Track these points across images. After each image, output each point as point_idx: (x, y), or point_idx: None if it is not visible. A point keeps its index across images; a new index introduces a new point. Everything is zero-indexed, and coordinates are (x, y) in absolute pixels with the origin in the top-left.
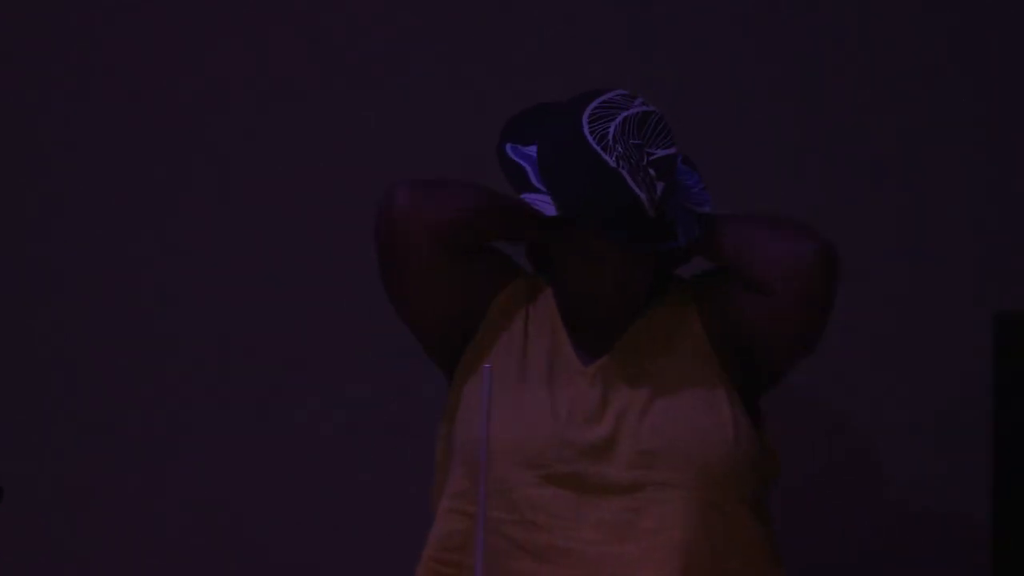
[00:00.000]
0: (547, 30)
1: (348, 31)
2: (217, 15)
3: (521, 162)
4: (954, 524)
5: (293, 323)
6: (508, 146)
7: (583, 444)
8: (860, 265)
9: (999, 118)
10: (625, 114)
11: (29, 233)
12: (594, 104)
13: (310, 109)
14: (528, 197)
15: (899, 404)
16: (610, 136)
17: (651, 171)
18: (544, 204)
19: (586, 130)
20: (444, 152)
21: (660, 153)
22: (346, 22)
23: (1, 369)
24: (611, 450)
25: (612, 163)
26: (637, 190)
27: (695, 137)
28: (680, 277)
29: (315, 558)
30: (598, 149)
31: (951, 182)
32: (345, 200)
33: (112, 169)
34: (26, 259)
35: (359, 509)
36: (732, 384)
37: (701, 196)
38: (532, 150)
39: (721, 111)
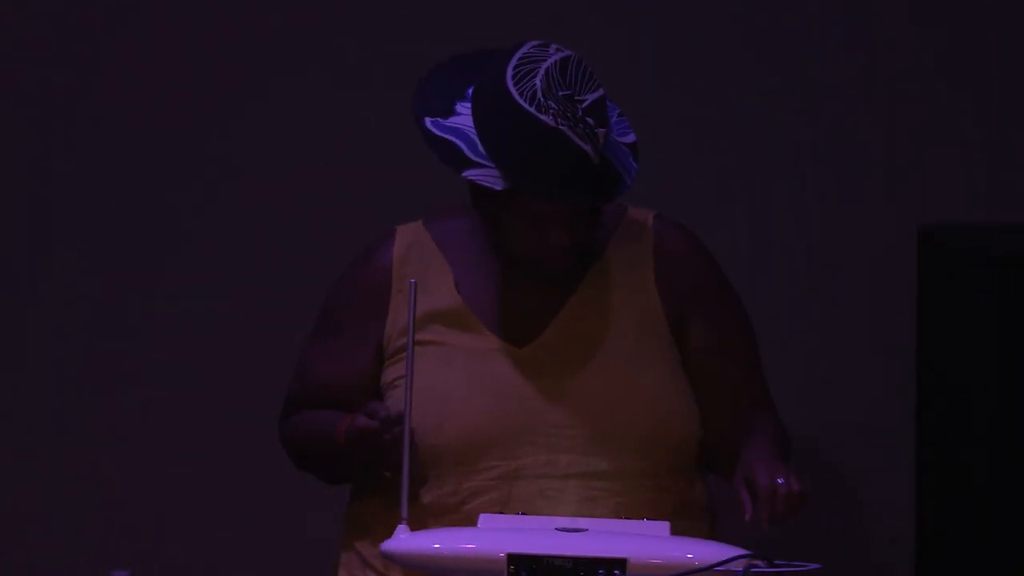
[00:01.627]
0: (548, 30)
1: (348, 31)
2: (217, 15)
3: (449, 137)
4: (878, 464)
5: (293, 323)
6: (428, 121)
7: (530, 428)
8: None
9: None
10: (545, 65)
11: (28, 233)
12: (512, 63)
13: (310, 109)
14: (469, 174)
15: (821, 324)
16: (539, 93)
17: (589, 120)
18: (490, 179)
19: (514, 92)
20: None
21: (590, 98)
22: (346, 22)
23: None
24: (559, 435)
25: (550, 122)
26: (582, 144)
27: (695, 136)
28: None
29: (316, 558)
30: (532, 111)
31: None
32: (345, 200)
33: (111, 169)
34: (25, 259)
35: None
36: (673, 343)
37: (621, 126)
38: (456, 121)
39: (720, 111)
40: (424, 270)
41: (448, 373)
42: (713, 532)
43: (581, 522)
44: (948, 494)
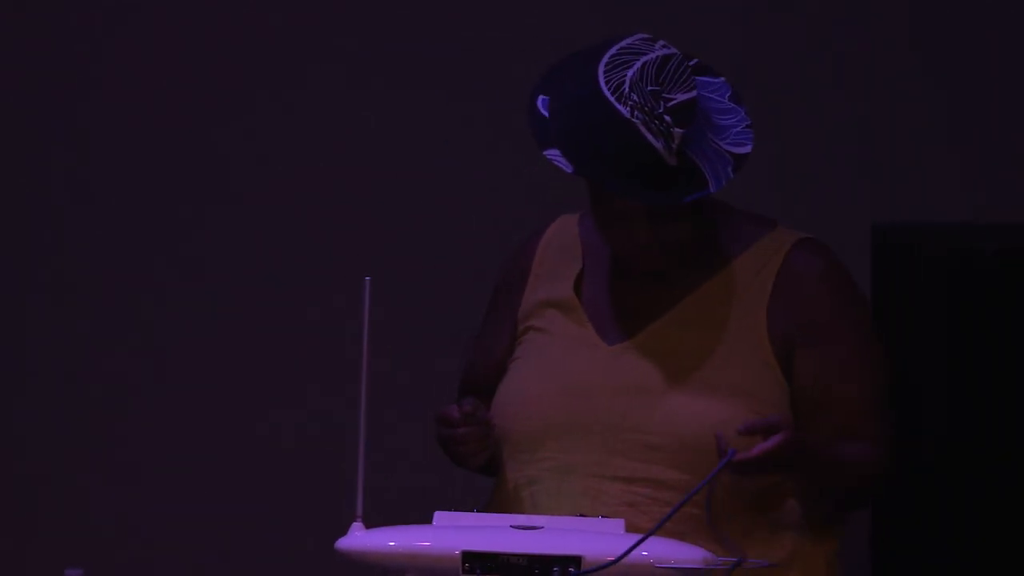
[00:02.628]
0: (548, 30)
1: (348, 31)
2: (217, 15)
3: (546, 114)
4: None
5: (293, 323)
6: (540, 99)
7: (588, 427)
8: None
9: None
10: (644, 59)
11: (27, 234)
12: (612, 51)
13: (310, 109)
14: (549, 153)
15: None
16: (626, 85)
17: (667, 118)
18: (563, 161)
19: (602, 80)
20: (444, 152)
21: (680, 98)
22: (346, 22)
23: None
24: (615, 437)
25: (626, 113)
26: (652, 140)
27: None
28: (781, 227)
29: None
30: (612, 99)
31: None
32: (345, 200)
33: (111, 169)
34: (24, 260)
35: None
36: (772, 352)
37: (741, 136)
38: None
39: None
40: (561, 258)
41: (536, 361)
42: None
43: (536, 519)
44: (900, 488)
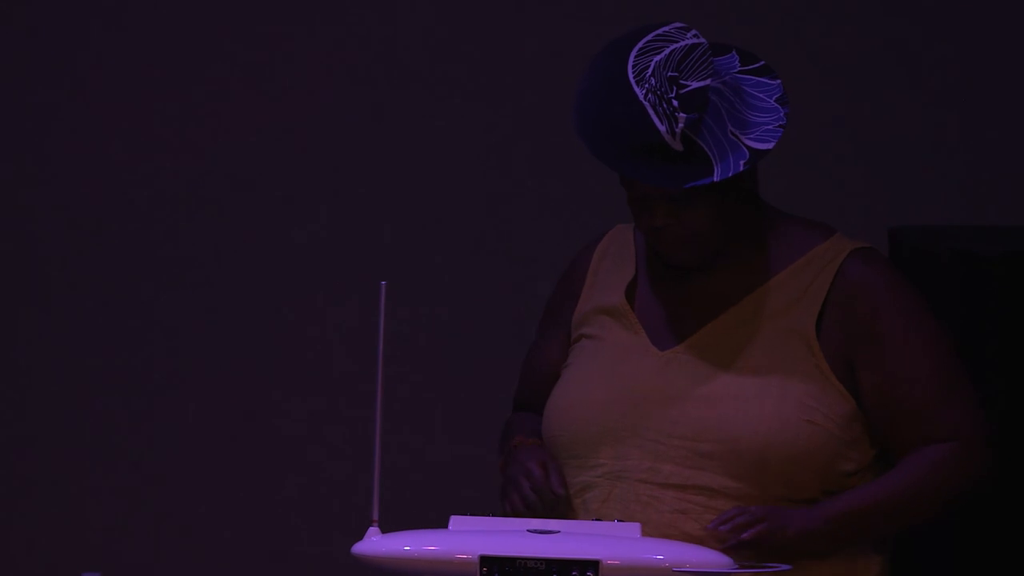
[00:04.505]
0: (548, 29)
1: (347, 31)
2: (216, 16)
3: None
4: None
5: (308, 326)
6: (579, 84)
7: (640, 433)
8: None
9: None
10: (673, 47)
11: (26, 234)
12: (649, 37)
13: (309, 109)
14: (580, 138)
15: None
16: (650, 69)
17: (675, 102)
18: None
19: (631, 63)
20: (445, 151)
21: (694, 84)
22: (346, 21)
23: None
24: (667, 444)
25: (640, 95)
26: (657, 122)
27: None
28: (839, 235)
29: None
30: (632, 82)
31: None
32: (345, 201)
33: (110, 170)
34: (22, 260)
35: (357, 509)
36: (829, 367)
37: (767, 134)
38: None
39: None
40: (615, 265)
41: (588, 368)
42: None
43: (552, 524)
44: None
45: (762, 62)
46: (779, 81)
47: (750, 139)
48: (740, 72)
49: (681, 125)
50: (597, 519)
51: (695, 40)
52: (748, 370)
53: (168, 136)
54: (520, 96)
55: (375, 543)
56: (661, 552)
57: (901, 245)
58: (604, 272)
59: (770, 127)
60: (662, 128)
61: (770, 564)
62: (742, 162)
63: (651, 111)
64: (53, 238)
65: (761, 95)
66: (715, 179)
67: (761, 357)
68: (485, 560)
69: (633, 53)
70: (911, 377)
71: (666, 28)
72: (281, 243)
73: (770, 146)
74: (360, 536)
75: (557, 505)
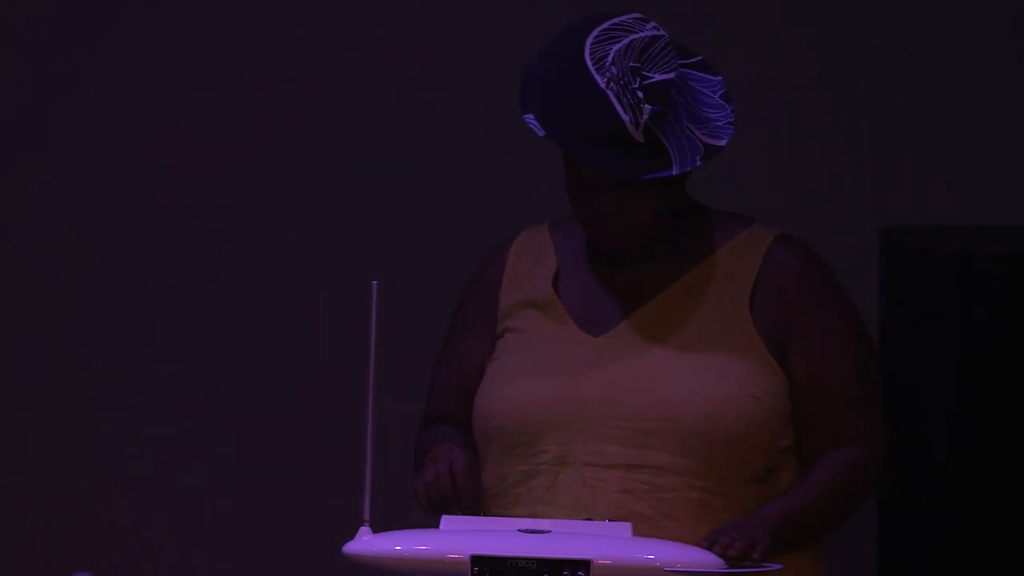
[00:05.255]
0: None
1: (347, 31)
2: (216, 16)
3: (531, 80)
4: None
5: (300, 325)
6: (529, 65)
7: (583, 417)
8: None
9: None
10: (633, 37)
11: (26, 233)
12: (604, 25)
13: (310, 108)
14: (527, 117)
15: None
16: (609, 57)
17: (639, 94)
18: (537, 124)
19: (587, 51)
20: (444, 151)
21: (657, 77)
22: (346, 21)
23: None
24: (610, 425)
25: (601, 83)
26: (621, 112)
27: None
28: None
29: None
30: (592, 69)
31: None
32: (345, 201)
33: (108, 170)
34: (24, 259)
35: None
36: (764, 346)
37: (720, 130)
38: None
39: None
40: (535, 262)
41: (518, 359)
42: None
43: (544, 523)
44: (907, 491)
45: (700, 57)
46: (719, 78)
47: (703, 134)
48: (682, 66)
49: (646, 117)
50: (546, 507)
51: (655, 32)
52: (686, 349)
53: (168, 136)
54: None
55: (366, 543)
56: (652, 552)
57: (895, 245)
58: (523, 269)
59: (720, 123)
60: (626, 118)
61: (763, 564)
62: (698, 157)
63: (615, 100)
64: (52, 238)
65: (706, 91)
66: (674, 173)
67: (697, 336)
68: (476, 560)
69: (589, 40)
70: (834, 379)
71: (623, 17)
72: (281, 243)
73: (724, 143)
74: (351, 536)
75: (458, 500)
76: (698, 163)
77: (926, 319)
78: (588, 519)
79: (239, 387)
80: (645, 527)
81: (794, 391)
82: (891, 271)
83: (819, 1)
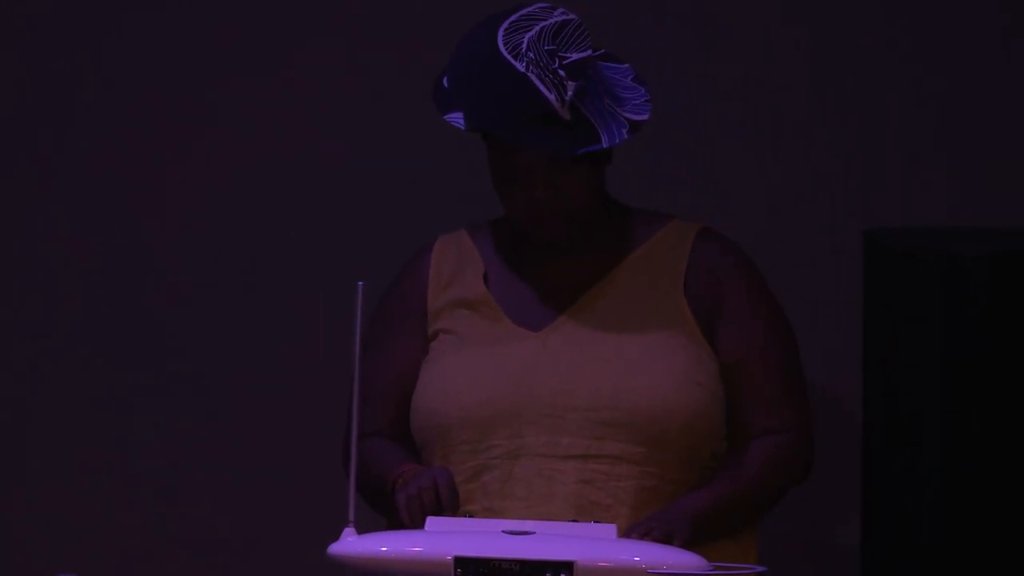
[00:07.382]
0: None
1: (346, 30)
2: (216, 16)
3: (448, 81)
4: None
5: (287, 326)
6: (446, 78)
7: (535, 409)
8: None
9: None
10: (543, 24)
11: (25, 232)
12: (513, 18)
13: (310, 108)
14: (448, 116)
15: None
16: (524, 45)
17: (561, 72)
18: (459, 120)
19: (500, 42)
20: (445, 151)
21: (575, 56)
22: (346, 21)
23: None
24: (563, 417)
25: (521, 68)
26: (545, 92)
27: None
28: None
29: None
30: (508, 57)
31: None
32: (345, 201)
33: (108, 170)
34: (23, 259)
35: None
36: (702, 335)
37: (640, 107)
38: None
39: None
40: (460, 264)
41: (458, 358)
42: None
43: (528, 525)
44: (894, 493)
45: (604, 50)
46: (627, 65)
47: (626, 111)
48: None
49: (571, 93)
50: (503, 501)
51: (565, 16)
52: (631, 339)
53: (168, 136)
54: None
55: (351, 544)
56: (637, 554)
57: (878, 247)
58: (448, 272)
59: (638, 102)
60: (551, 97)
61: (745, 565)
62: (624, 131)
63: (537, 82)
64: (52, 238)
65: (618, 77)
66: (603, 145)
67: (639, 327)
68: (460, 561)
69: (500, 33)
70: (756, 360)
71: (529, 9)
72: (281, 243)
73: (646, 117)
74: (336, 536)
75: (440, 514)
76: (626, 136)
77: (910, 321)
78: (501, 500)
79: (239, 387)
80: (605, 516)
81: (725, 368)
82: (875, 272)
83: (807, 1)
